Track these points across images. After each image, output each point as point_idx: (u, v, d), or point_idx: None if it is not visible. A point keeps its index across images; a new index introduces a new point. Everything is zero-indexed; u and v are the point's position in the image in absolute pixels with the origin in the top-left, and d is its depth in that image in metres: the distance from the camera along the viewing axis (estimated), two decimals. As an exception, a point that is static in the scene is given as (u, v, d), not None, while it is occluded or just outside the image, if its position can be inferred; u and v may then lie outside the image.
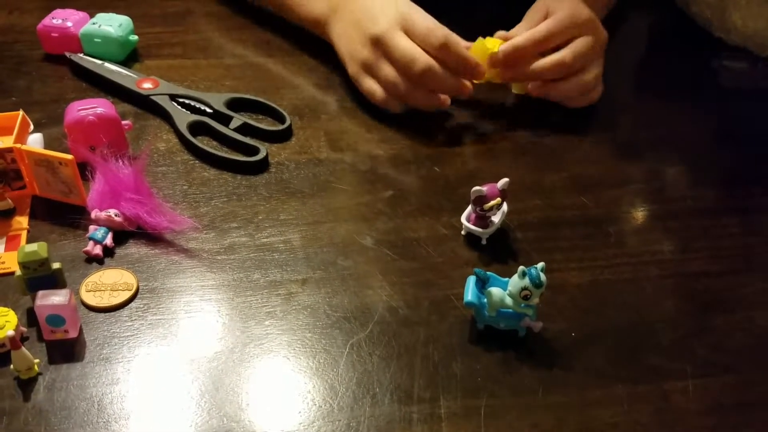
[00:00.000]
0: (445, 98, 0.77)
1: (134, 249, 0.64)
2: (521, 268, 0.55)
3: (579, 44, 0.77)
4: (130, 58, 0.86)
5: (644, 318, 0.61)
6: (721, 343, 0.60)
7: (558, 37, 0.77)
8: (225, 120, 0.76)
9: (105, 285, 0.61)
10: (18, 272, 0.57)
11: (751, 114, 0.85)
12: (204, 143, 0.74)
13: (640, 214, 0.72)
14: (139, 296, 0.60)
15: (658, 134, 0.82)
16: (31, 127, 0.73)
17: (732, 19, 0.88)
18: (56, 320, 0.55)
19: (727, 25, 0.89)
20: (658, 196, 0.74)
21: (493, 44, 0.78)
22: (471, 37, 0.79)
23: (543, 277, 0.55)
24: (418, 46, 0.74)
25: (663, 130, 0.83)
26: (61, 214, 0.66)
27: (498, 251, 0.66)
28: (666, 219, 0.71)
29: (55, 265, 0.57)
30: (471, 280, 0.58)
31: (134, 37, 0.86)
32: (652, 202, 0.73)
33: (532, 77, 0.79)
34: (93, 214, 0.65)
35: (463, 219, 0.67)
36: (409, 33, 0.75)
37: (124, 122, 0.72)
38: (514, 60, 0.77)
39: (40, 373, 0.54)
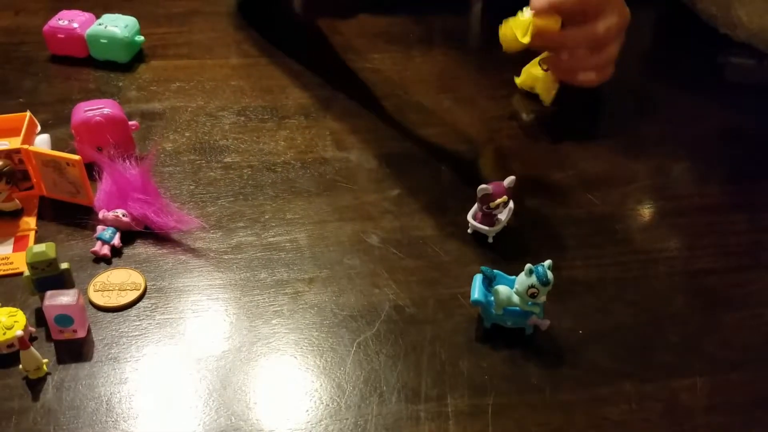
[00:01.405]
0: None
1: (142, 249, 0.64)
2: (528, 266, 0.55)
3: (609, 19, 0.76)
4: (136, 58, 0.87)
5: (652, 315, 0.61)
6: (729, 341, 0.60)
7: (590, 10, 0.76)
8: None
9: (113, 285, 0.61)
10: (26, 273, 0.57)
11: (757, 110, 0.85)
12: None
13: (647, 211, 0.72)
14: (146, 296, 0.61)
15: (664, 131, 0.82)
16: (38, 127, 0.73)
17: (737, 15, 0.87)
18: (64, 320, 0.56)
19: (733, 21, 0.88)
20: (665, 193, 0.74)
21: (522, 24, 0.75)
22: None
23: (550, 274, 0.55)
24: None
25: (669, 127, 0.82)
26: (68, 215, 0.67)
27: (505, 249, 0.66)
28: (673, 216, 0.71)
29: (63, 266, 0.58)
30: (477, 279, 0.58)
31: (140, 38, 0.87)
32: (658, 199, 0.73)
33: (561, 45, 0.77)
34: (100, 215, 0.65)
35: (469, 217, 0.67)
36: None
37: (130, 122, 0.72)
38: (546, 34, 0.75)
39: (48, 373, 0.55)
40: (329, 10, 0.98)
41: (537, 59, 0.82)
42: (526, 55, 0.83)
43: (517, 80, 0.84)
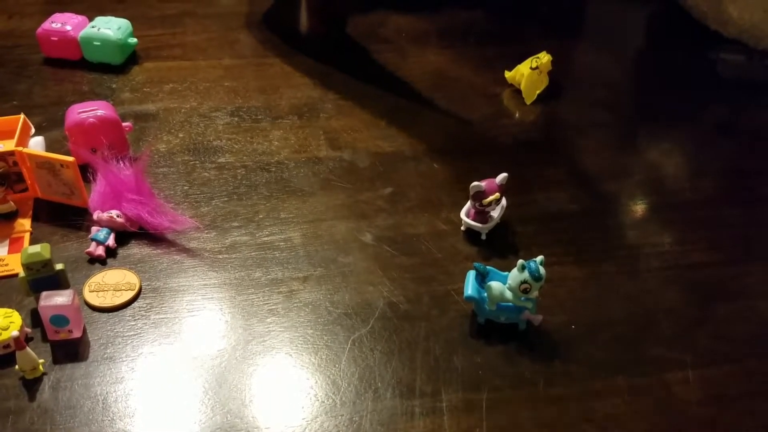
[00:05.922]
0: None
1: (136, 249, 0.65)
2: (520, 261, 0.55)
3: None
4: (129, 60, 0.87)
5: (645, 309, 0.62)
6: (722, 333, 0.60)
7: None
8: None
9: (108, 285, 0.61)
10: (21, 274, 0.57)
11: (748, 105, 0.85)
12: None
13: (639, 206, 0.73)
14: (141, 296, 0.61)
15: (656, 127, 0.82)
16: (33, 130, 0.73)
17: (728, 12, 0.88)
18: (60, 320, 0.56)
19: (723, 17, 0.89)
20: (657, 188, 0.74)
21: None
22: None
23: (542, 270, 0.55)
24: None
25: (661, 123, 0.83)
26: (63, 216, 0.67)
27: (497, 246, 0.66)
28: (665, 210, 0.71)
29: (59, 266, 0.58)
30: (471, 275, 0.59)
31: (133, 40, 0.87)
32: (651, 194, 0.73)
33: None
34: (95, 216, 0.65)
35: (462, 214, 0.67)
36: None
37: (124, 124, 0.72)
38: None
39: (44, 373, 0.55)
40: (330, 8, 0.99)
41: (531, 58, 0.83)
42: (520, 56, 0.84)
43: (507, 75, 0.85)
